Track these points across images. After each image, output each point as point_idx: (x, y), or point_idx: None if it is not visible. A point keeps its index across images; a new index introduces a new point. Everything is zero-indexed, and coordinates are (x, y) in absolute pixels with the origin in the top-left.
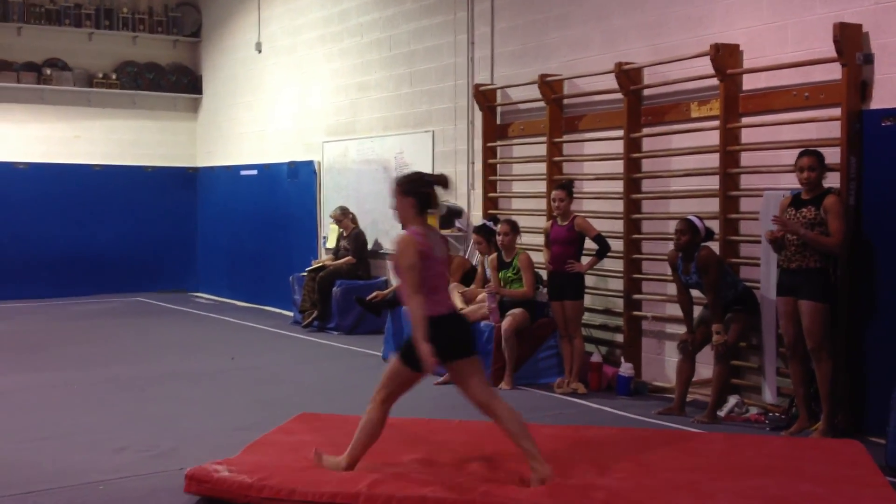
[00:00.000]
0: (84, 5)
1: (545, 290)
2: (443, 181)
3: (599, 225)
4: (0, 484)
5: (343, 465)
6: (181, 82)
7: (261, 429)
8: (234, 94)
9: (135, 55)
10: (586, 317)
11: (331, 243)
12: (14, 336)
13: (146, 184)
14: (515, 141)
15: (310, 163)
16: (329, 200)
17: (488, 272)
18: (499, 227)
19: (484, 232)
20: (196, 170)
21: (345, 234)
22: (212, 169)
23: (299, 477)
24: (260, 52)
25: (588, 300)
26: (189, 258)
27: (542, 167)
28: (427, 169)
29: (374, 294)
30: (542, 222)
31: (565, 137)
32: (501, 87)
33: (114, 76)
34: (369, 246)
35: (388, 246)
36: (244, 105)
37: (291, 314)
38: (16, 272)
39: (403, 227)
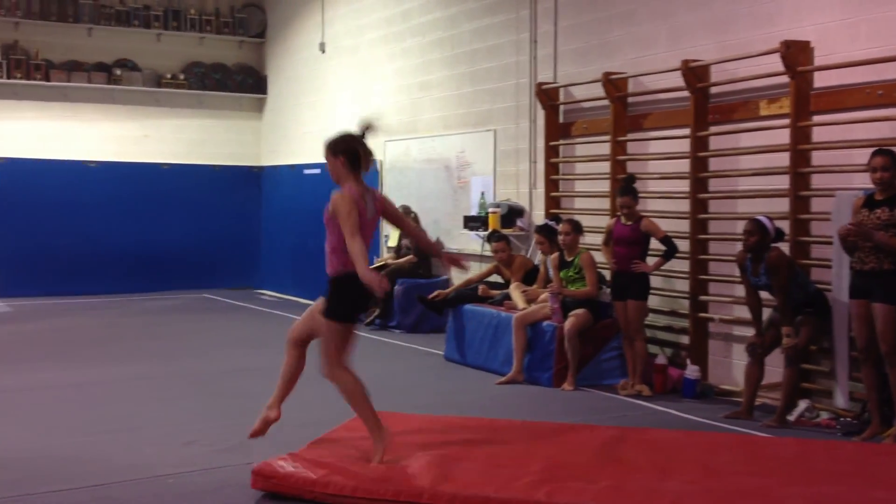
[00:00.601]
0: (153, 7)
1: (608, 289)
2: (367, 127)
3: (665, 225)
4: (71, 476)
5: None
6: (246, 82)
7: (324, 425)
8: (297, 93)
9: (202, 56)
10: (651, 318)
11: (392, 242)
12: (85, 331)
13: (212, 182)
14: (578, 140)
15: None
16: (391, 199)
17: (550, 272)
18: (560, 227)
19: (546, 231)
20: (261, 168)
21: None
22: (276, 168)
23: (363, 474)
24: (323, 52)
25: (653, 301)
26: (253, 255)
27: (605, 166)
28: (489, 168)
29: (435, 293)
30: (606, 222)
31: (629, 136)
32: (564, 86)
33: (181, 76)
34: None
35: (449, 245)
36: (307, 104)
37: None
38: (86, 269)
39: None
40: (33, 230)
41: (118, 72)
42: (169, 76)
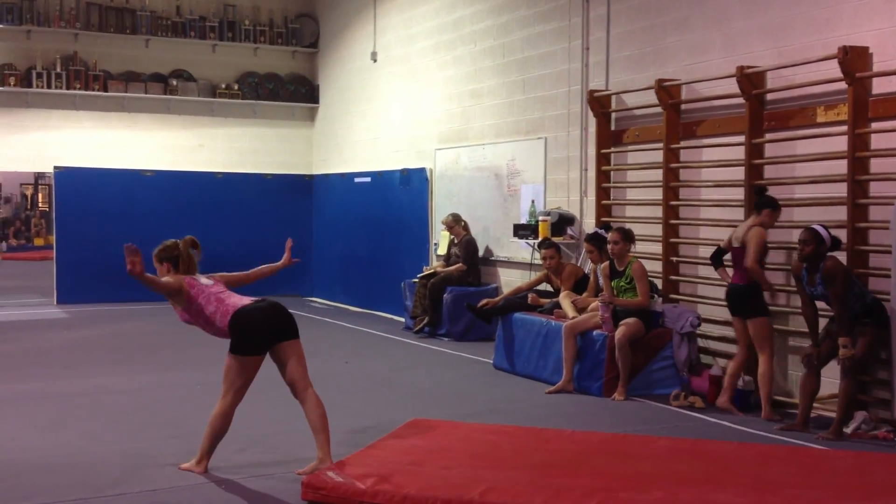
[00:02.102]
0: (208, 18)
1: (660, 299)
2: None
3: (719, 233)
4: (126, 481)
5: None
6: (299, 92)
7: (373, 432)
8: (348, 102)
9: (255, 66)
10: (704, 328)
11: (442, 250)
12: (140, 337)
13: (265, 191)
14: (630, 147)
15: (422, 170)
16: (440, 207)
17: (601, 281)
18: (609, 236)
19: (596, 240)
20: (312, 177)
21: (456, 241)
22: (327, 176)
23: (412, 483)
24: (375, 61)
25: (706, 310)
26: (304, 263)
27: (657, 174)
28: (540, 176)
29: (484, 301)
30: (658, 230)
31: (683, 143)
32: (616, 93)
33: (236, 86)
34: (480, 253)
35: (499, 253)
36: (358, 113)
37: (403, 319)
38: (132, 278)
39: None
40: (90, 238)
41: (174, 82)
42: (223, 86)
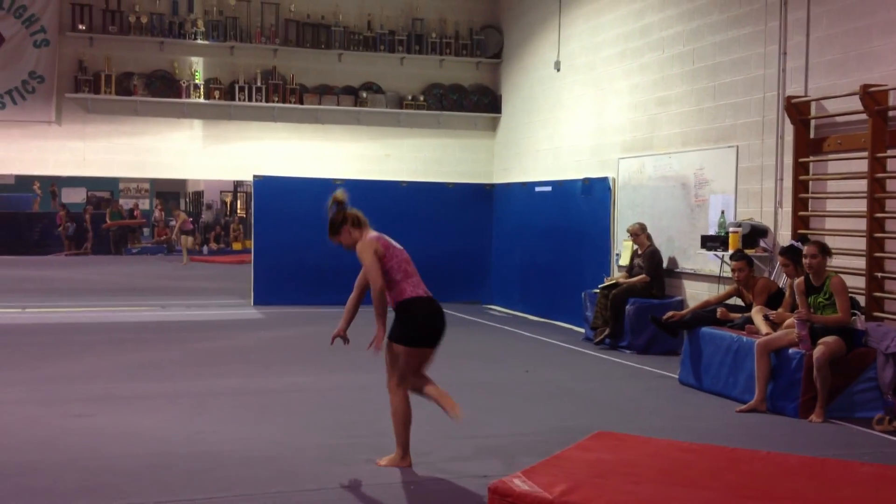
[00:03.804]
0: (397, 31)
1: (862, 316)
2: (336, 198)
3: None
4: (318, 477)
5: (399, 456)
6: (482, 102)
7: (558, 443)
8: (530, 112)
9: (441, 77)
10: None
11: (624, 260)
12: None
13: (447, 199)
14: (831, 156)
15: (604, 179)
16: (623, 217)
17: (797, 297)
18: (805, 249)
19: (791, 253)
20: (493, 186)
21: (639, 252)
22: (507, 185)
23: (600, 496)
24: (558, 70)
25: None
26: (484, 271)
27: (861, 184)
28: (730, 185)
29: (670, 314)
30: (861, 244)
31: (890, 152)
32: (816, 99)
33: (421, 97)
34: (664, 264)
35: (684, 265)
36: (540, 123)
37: (582, 330)
38: (330, 280)
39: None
40: (285, 243)
41: (364, 94)
42: (410, 98)
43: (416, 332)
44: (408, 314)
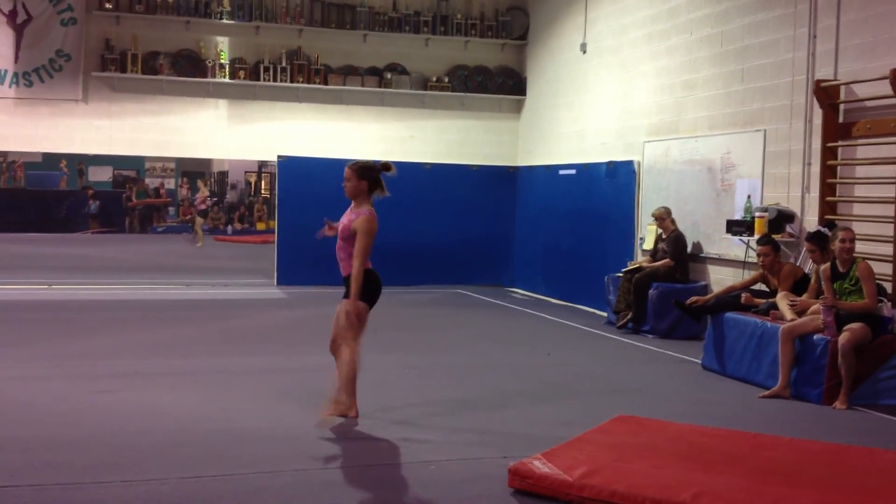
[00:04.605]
0: (423, 12)
1: (889, 302)
2: (388, 167)
3: None
4: (342, 455)
5: (350, 405)
6: (507, 84)
7: (579, 425)
8: (556, 94)
9: (465, 59)
10: None
11: (648, 244)
12: None
13: (470, 181)
14: (860, 141)
15: (629, 163)
16: (648, 201)
17: (822, 283)
18: (842, 234)
19: (818, 239)
20: (516, 168)
21: (664, 236)
22: (531, 168)
23: (621, 479)
24: (584, 52)
25: None
26: (506, 254)
27: (891, 170)
28: (757, 170)
29: (693, 299)
30: (889, 230)
31: None
32: (846, 83)
33: (446, 79)
34: (689, 249)
35: (709, 250)
36: (565, 105)
37: (605, 314)
38: None
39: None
40: (309, 223)
41: (388, 75)
42: (434, 79)
43: (374, 294)
44: (368, 281)
